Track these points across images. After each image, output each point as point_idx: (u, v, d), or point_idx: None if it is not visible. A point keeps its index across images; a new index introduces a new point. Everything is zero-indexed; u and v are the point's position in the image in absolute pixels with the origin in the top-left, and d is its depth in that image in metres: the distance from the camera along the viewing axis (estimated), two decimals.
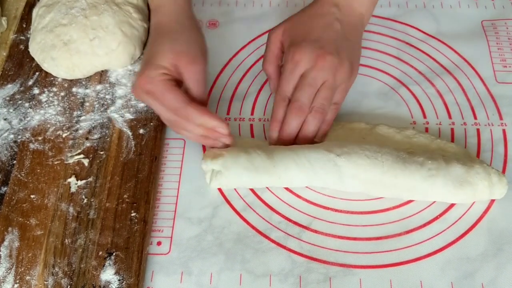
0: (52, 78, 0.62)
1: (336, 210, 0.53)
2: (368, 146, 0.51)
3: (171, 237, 0.52)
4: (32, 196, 0.53)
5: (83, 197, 0.53)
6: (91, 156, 0.56)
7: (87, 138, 0.57)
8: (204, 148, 0.58)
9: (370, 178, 0.50)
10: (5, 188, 0.54)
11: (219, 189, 0.55)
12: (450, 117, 0.59)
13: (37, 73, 0.63)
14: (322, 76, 0.52)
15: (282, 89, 0.54)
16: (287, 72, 0.53)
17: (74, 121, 0.58)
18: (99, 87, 0.61)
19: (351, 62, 0.54)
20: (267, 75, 0.59)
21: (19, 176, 0.54)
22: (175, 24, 0.55)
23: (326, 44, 0.53)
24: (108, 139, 0.57)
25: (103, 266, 0.49)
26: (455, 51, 0.65)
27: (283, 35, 0.57)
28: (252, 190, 0.55)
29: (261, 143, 0.57)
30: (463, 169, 0.50)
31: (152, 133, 0.57)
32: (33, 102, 0.60)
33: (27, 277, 0.48)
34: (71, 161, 0.55)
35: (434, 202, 0.53)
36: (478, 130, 0.58)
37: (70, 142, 0.57)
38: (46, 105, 0.60)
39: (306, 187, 0.54)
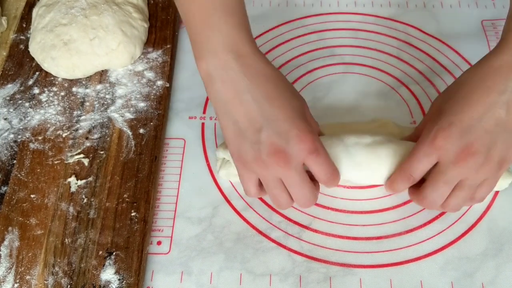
0: (52, 78, 0.62)
1: (336, 210, 0.53)
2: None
3: (171, 237, 0.52)
4: (32, 196, 0.53)
5: (83, 196, 0.53)
6: (91, 155, 0.56)
7: (87, 138, 0.57)
8: (204, 148, 0.58)
9: (374, 142, 0.50)
10: (5, 188, 0.54)
11: (219, 189, 0.55)
12: None
13: (37, 73, 0.63)
14: (462, 175, 0.45)
15: (411, 166, 0.47)
16: (421, 150, 0.46)
17: (74, 121, 0.58)
18: (99, 86, 0.61)
19: (502, 159, 0.45)
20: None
21: (19, 175, 0.54)
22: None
23: (477, 139, 0.44)
24: (108, 139, 0.57)
25: (103, 265, 0.49)
26: (455, 51, 0.65)
27: (439, 104, 0.49)
28: None
29: None
30: None
31: (152, 132, 0.57)
32: (33, 101, 0.60)
33: (27, 277, 0.48)
34: (71, 160, 0.55)
35: None
36: None
37: (70, 141, 0.57)
38: (46, 105, 0.60)
39: None
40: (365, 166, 0.50)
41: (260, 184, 0.48)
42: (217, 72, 0.46)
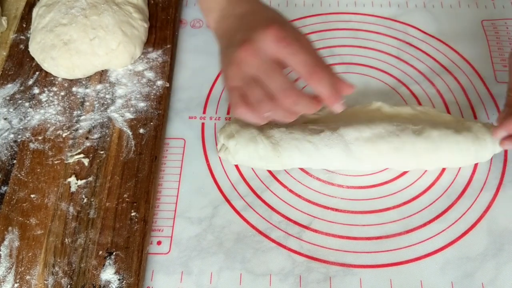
0: (52, 78, 0.62)
1: (336, 210, 0.53)
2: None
3: (171, 237, 0.52)
4: (32, 196, 0.53)
5: (83, 196, 0.53)
6: (91, 155, 0.56)
7: (87, 138, 0.57)
8: (204, 148, 0.58)
9: (373, 135, 0.52)
10: (5, 188, 0.54)
11: (219, 189, 0.55)
12: None
13: (37, 73, 0.63)
14: None
15: None
16: None
17: (74, 121, 0.58)
18: (99, 86, 0.62)
19: None
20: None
21: (19, 175, 0.54)
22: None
23: None
24: (108, 139, 0.57)
25: (103, 265, 0.49)
26: (455, 51, 0.65)
27: None
28: (252, 189, 0.55)
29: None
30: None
31: (152, 132, 0.57)
32: (33, 101, 0.60)
33: (27, 277, 0.48)
34: (71, 160, 0.55)
35: (435, 201, 0.53)
36: None
37: (70, 141, 0.57)
38: (46, 105, 0.60)
39: (306, 186, 0.54)
40: (366, 161, 0.53)
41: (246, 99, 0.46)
42: (220, 13, 0.50)
